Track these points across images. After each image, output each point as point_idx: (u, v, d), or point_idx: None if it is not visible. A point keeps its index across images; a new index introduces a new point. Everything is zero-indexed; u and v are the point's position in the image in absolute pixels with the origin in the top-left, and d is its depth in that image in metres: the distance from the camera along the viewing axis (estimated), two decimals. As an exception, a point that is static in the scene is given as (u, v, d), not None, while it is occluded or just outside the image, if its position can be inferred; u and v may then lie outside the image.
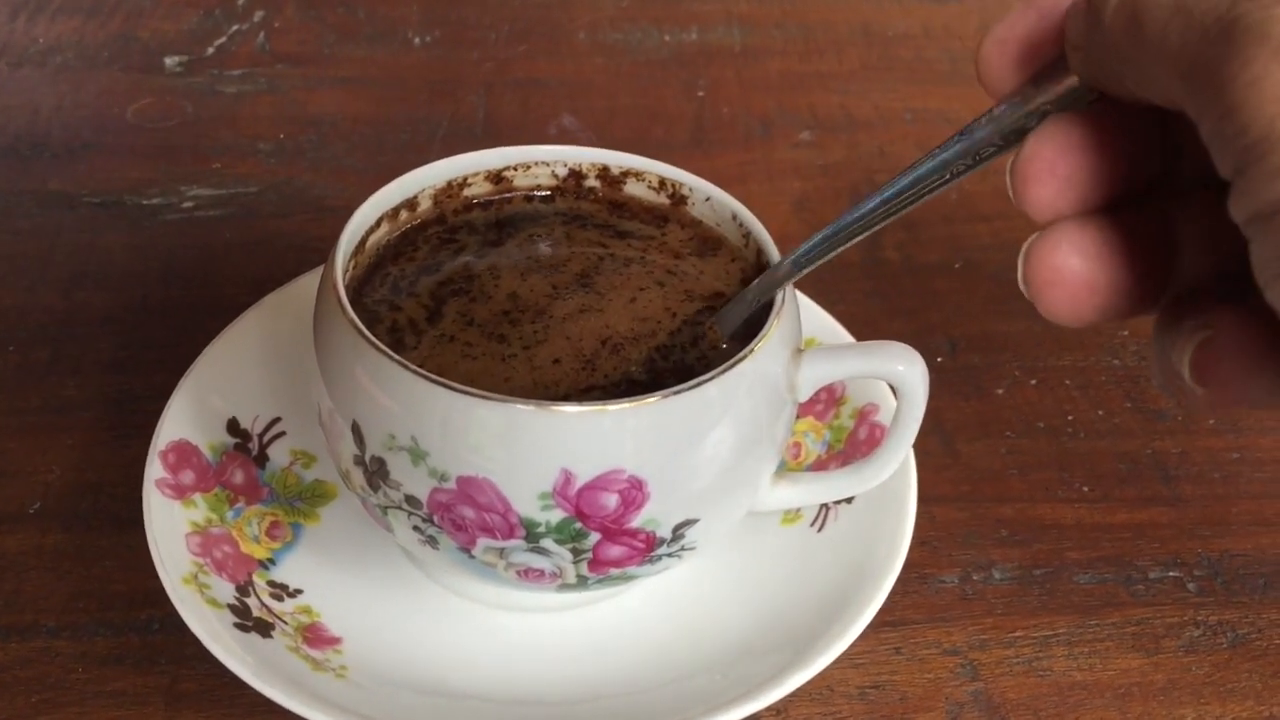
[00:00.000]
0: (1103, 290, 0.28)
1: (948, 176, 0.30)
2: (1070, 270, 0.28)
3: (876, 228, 0.33)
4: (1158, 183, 0.29)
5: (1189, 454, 0.50)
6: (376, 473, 0.36)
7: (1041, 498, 0.48)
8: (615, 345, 0.37)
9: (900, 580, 0.40)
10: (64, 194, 0.59)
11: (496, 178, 0.42)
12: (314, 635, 0.39)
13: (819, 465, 0.45)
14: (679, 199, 0.42)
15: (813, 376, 0.38)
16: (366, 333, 0.35)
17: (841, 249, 0.34)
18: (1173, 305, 0.29)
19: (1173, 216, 0.29)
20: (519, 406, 0.33)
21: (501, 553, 0.36)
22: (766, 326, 0.36)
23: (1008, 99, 0.29)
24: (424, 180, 0.41)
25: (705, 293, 0.40)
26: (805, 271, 0.36)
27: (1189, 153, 0.28)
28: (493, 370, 0.36)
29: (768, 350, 0.36)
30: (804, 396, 0.38)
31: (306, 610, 0.40)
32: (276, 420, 0.44)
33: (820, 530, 0.43)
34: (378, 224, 0.40)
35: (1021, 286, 0.29)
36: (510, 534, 0.35)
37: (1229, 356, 0.26)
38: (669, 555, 0.37)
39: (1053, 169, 0.28)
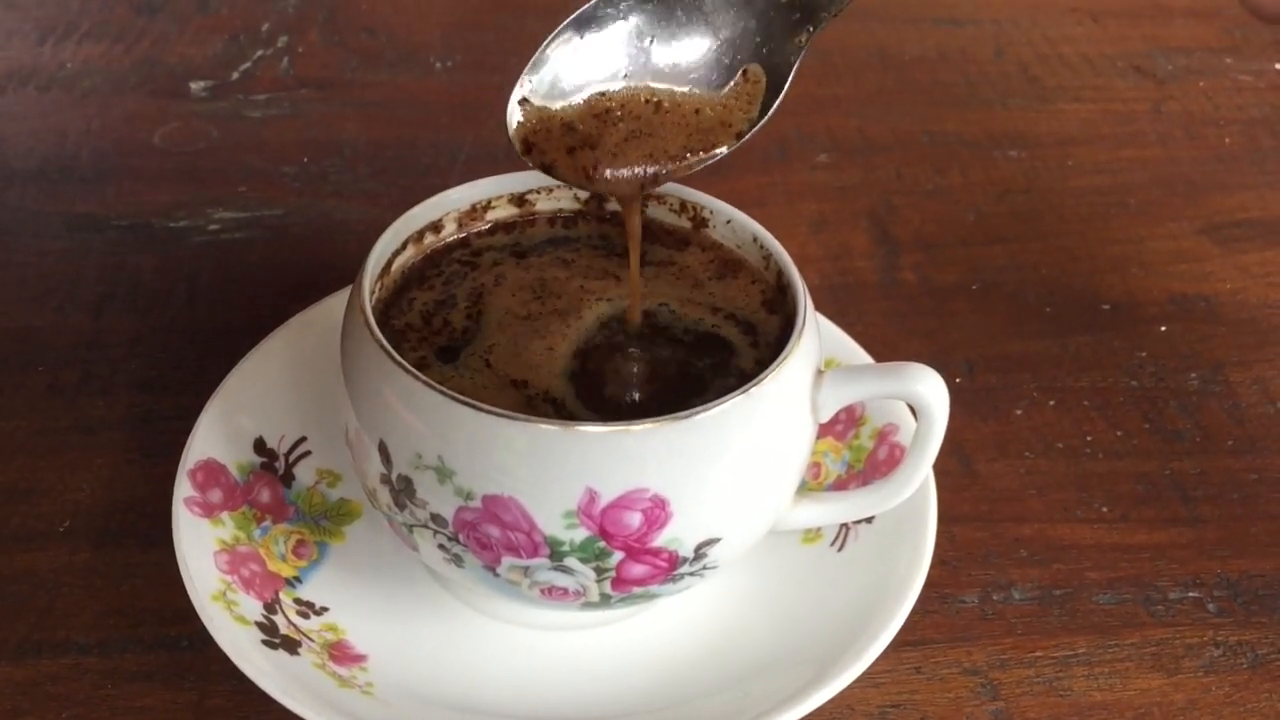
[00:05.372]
0: None
1: None
2: None
3: None
4: None
5: (1208, 474, 0.50)
6: (403, 491, 0.36)
7: (1060, 518, 0.48)
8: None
9: (920, 600, 0.40)
10: (92, 216, 0.59)
11: (520, 201, 0.43)
12: (340, 652, 0.40)
13: (839, 485, 0.46)
14: (700, 221, 0.43)
15: (834, 397, 0.38)
16: (394, 354, 0.35)
17: None
18: None
19: None
20: (543, 426, 0.34)
21: (526, 571, 0.36)
22: (788, 347, 0.36)
23: None
24: (448, 204, 0.42)
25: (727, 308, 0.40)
26: None
27: None
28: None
29: (789, 371, 0.36)
30: (825, 417, 0.38)
31: (332, 628, 0.41)
32: (302, 440, 0.45)
33: (840, 550, 0.43)
34: (403, 246, 0.40)
35: None
36: (535, 552, 0.36)
37: None
38: (691, 574, 0.38)
39: None
